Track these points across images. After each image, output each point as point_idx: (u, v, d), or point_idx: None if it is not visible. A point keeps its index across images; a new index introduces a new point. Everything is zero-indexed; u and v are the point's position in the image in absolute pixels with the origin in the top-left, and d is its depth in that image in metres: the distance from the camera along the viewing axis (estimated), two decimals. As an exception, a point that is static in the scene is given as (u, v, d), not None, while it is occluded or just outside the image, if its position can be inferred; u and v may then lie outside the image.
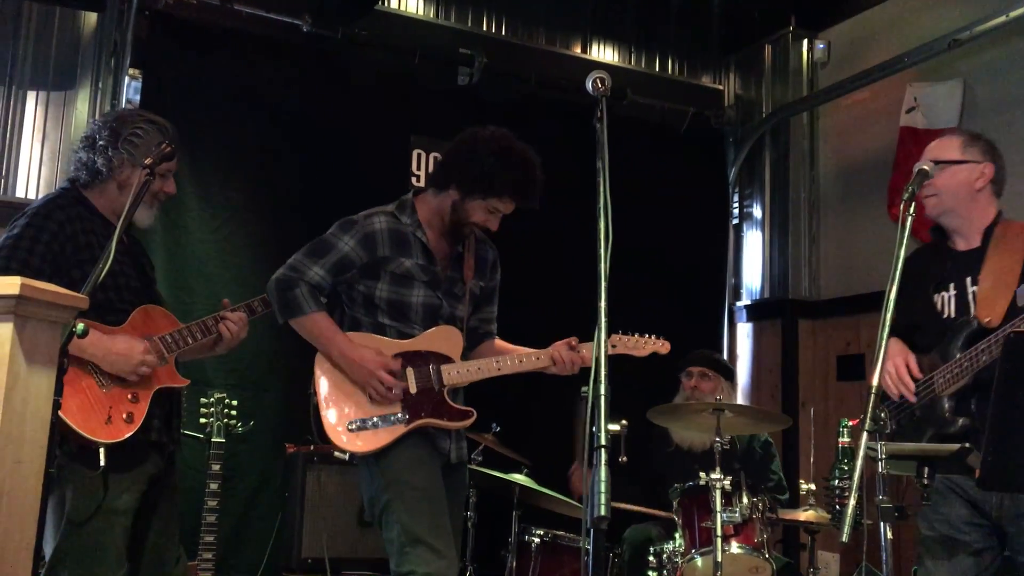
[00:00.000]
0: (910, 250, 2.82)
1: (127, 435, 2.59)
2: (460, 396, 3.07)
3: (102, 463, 2.52)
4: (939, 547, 2.73)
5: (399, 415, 2.90)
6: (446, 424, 2.94)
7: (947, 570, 2.71)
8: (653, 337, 3.24)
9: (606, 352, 2.91)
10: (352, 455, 2.99)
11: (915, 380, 2.81)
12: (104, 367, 2.59)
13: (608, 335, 1.93)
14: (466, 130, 3.03)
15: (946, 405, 2.74)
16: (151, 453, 2.74)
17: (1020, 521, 2.63)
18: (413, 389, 2.93)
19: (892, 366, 2.87)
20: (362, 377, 2.88)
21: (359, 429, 2.88)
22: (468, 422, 2.98)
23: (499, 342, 3.21)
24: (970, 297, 2.80)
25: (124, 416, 2.60)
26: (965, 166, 2.85)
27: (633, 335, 3.20)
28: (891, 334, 2.99)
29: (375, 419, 2.89)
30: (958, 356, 2.71)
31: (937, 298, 2.87)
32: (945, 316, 2.84)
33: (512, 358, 3.05)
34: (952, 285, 2.84)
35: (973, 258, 2.83)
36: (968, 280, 2.81)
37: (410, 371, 2.94)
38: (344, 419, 2.90)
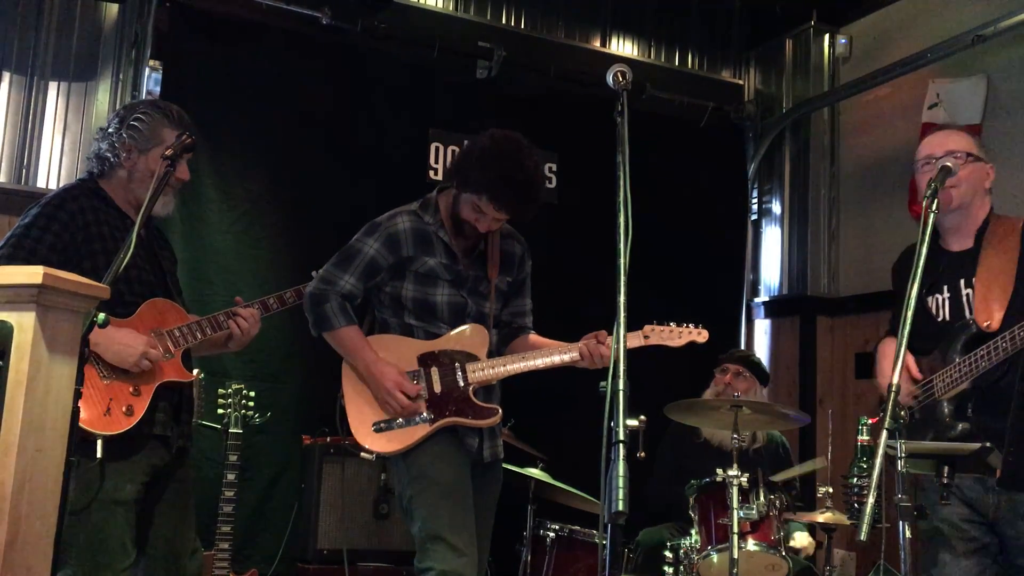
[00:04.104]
0: (913, 250, 2.80)
1: (125, 428, 2.58)
2: (495, 393, 3.07)
3: (99, 454, 2.52)
4: (941, 548, 2.72)
5: (424, 415, 2.92)
6: (470, 422, 2.94)
7: (950, 568, 2.70)
8: (690, 326, 3.13)
9: (633, 343, 2.93)
10: (378, 455, 3.02)
11: (915, 382, 2.79)
12: (106, 358, 2.59)
13: (628, 329, 1.91)
14: (492, 128, 3.03)
15: (946, 409, 2.71)
16: (154, 445, 2.73)
17: (1018, 523, 2.62)
18: (438, 389, 2.95)
19: (889, 366, 2.84)
20: (381, 395, 2.92)
21: (385, 429, 2.92)
22: (493, 420, 2.97)
23: (534, 337, 3.18)
24: (964, 300, 2.76)
25: (123, 409, 2.60)
26: (980, 163, 2.82)
27: (668, 324, 3.11)
28: (888, 335, 2.99)
29: (400, 419, 2.92)
30: (957, 360, 2.68)
31: (931, 300, 2.83)
32: (940, 319, 2.80)
33: (539, 353, 3.02)
34: (945, 287, 2.80)
35: (966, 259, 2.79)
36: (961, 282, 2.77)
37: (435, 370, 2.96)
38: (370, 420, 2.93)
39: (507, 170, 2.87)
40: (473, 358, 2.99)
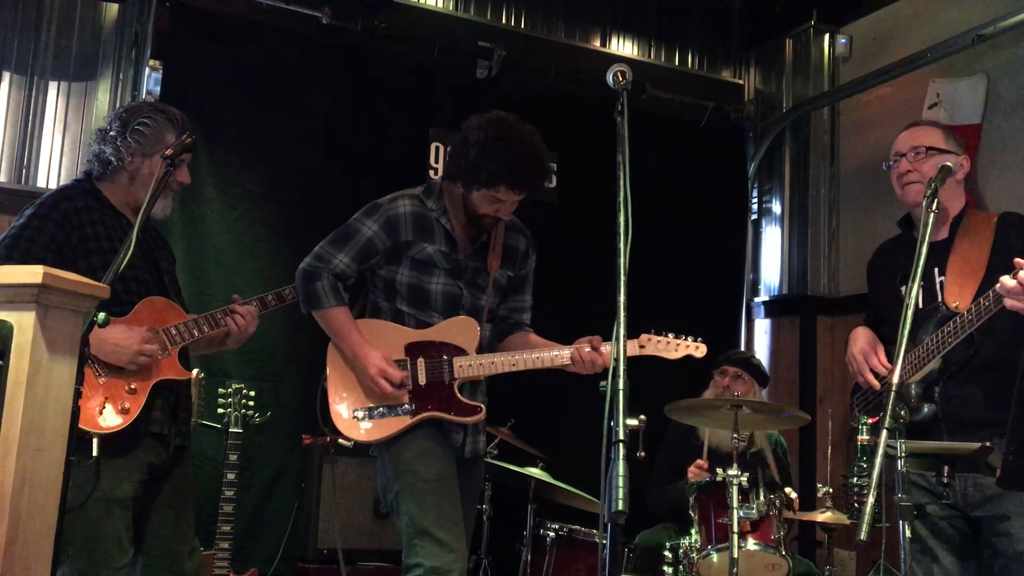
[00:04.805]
0: (886, 247, 2.80)
1: (120, 427, 2.58)
2: (481, 389, 3.03)
3: (94, 453, 2.52)
4: (920, 552, 2.72)
5: (406, 406, 2.87)
6: (452, 418, 2.90)
7: (942, 560, 2.71)
8: (689, 339, 3.05)
9: (628, 352, 2.88)
10: (356, 443, 2.98)
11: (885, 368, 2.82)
12: (100, 356, 2.59)
13: (628, 330, 1.90)
14: (470, 117, 2.97)
15: (913, 392, 2.73)
16: (151, 444, 2.73)
17: (987, 506, 2.63)
18: (423, 381, 2.89)
19: (859, 354, 2.88)
20: (365, 379, 2.87)
21: (365, 418, 2.88)
22: (475, 418, 2.92)
23: (530, 335, 3.11)
24: (937, 287, 2.79)
25: (119, 407, 2.60)
26: (949, 156, 2.83)
27: (665, 335, 3.02)
28: (863, 325, 3.02)
29: (381, 409, 2.88)
30: (926, 340, 2.71)
31: (904, 289, 2.84)
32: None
33: (530, 354, 2.95)
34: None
35: (941, 249, 2.82)
36: (936, 271, 2.80)
37: (421, 362, 2.91)
38: (351, 407, 2.90)
39: (515, 153, 2.81)
40: (461, 352, 2.92)
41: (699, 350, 3.06)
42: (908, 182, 2.85)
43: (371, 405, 2.88)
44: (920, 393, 2.73)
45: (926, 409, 2.70)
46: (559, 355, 2.94)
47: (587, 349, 2.91)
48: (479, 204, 2.90)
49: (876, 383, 2.86)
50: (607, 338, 2.88)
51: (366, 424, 2.88)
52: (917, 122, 3.06)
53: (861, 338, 2.96)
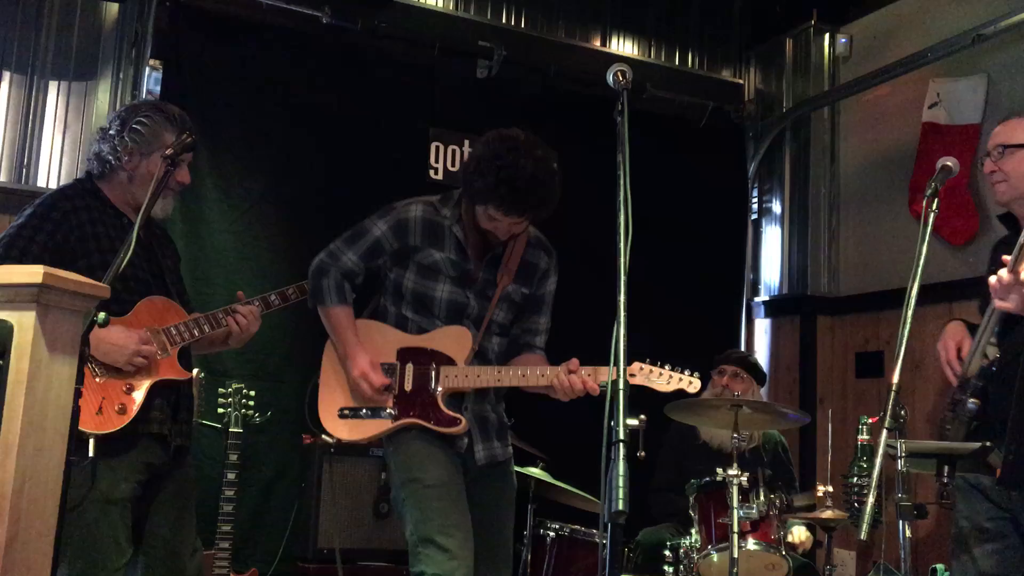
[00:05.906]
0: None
1: (117, 427, 2.58)
2: (490, 398, 3.01)
3: (91, 454, 2.51)
4: (968, 540, 2.73)
5: (389, 410, 2.91)
6: (431, 427, 2.88)
7: (978, 560, 2.71)
8: (685, 372, 2.92)
9: (609, 377, 2.84)
10: (338, 441, 3.06)
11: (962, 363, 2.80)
12: (97, 356, 2.58)
13: (629, 333, 1.89)
14: (490, 130, 2.93)
15: (971, 386, 2.72)
16: (151, 444, 2.72)
17: None
18: (409, 387, 2.92)
19: (941, 349, 2.85)
20: (352, 381, 2.92)
21: (349, 417, 2.93)
22: (454, 430, 2.87)
23: (538, 357, 3.05)
24: None
25: (116, 408, 2.59)
26: None
27: (660, 366, 2.90)
28: (957, 320, 2.98)
29: (366, 410, 2.92)
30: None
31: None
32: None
33: (515, 370, 2.92)
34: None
35: None
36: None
37: (410, 367, 2.94)
38: (337, 405, 2.95)
39: (507, 175, 2.75)
40: (450, 362, 2.92)
41: (692, 385, 2.93)
42: (994, 181, 2.84)
43: (356, 405, 2.93)
44: (976, 388, 2.69)
45: (970, 404, 2.68)
46: (543, 375, 2.87)
47: (564, 373, 2.82)
48: (480, 218, 2.90)
49: (953, 378, 2.82)
50: (597, 352, 2.68)
51: (349, 423, 2.93)
52: (1008, 116, 3.04)
53: (948, 331, 2.91)
